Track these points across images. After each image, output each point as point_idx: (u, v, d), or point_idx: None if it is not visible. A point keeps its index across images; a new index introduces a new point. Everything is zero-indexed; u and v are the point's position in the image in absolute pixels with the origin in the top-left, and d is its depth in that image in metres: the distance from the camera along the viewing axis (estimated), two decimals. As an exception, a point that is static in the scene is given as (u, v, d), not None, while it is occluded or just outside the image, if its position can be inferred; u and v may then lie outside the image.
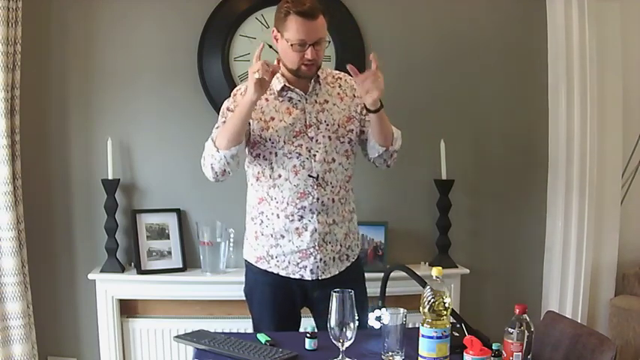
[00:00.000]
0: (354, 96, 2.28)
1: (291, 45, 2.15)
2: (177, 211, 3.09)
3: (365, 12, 3.10)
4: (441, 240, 3.10)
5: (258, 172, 2.29)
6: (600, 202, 3.24)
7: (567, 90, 3.16)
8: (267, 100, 2.24)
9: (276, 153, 2.22)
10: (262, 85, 2.07)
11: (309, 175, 2.21)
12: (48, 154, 3.05)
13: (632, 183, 3.40)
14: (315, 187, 2.22)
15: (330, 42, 2.18)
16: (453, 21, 3.18)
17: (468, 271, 3.08)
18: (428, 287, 1.68)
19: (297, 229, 2.23)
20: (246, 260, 2.38)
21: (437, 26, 3.18)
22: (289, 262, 2.25)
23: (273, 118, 2.22)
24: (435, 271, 1.70)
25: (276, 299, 2.30)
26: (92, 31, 3.03)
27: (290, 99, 2.24)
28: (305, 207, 2.21)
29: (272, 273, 2.28)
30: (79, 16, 3.01)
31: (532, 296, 3.26)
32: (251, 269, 2.36)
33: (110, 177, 2.95)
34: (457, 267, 3.08)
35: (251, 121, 2.20)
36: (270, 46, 3.03)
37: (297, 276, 2.26)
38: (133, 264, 3.04)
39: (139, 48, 3.05)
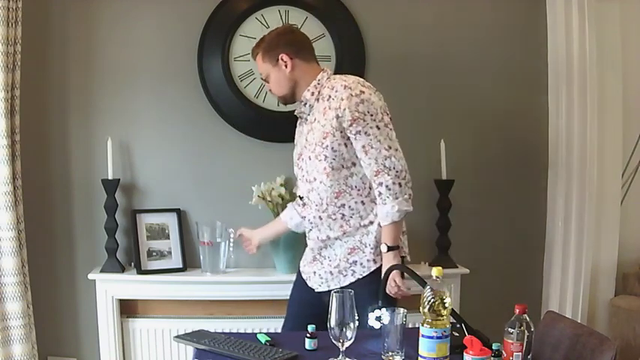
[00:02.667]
0: (336, 107, 2.19)
1: None
2: (177, 211, 3.08)
3: (365, 12, 3.10)
4: (441, 240, 3.10)
5: None
6: (600, 202, 3.24)
7: (567, 90, 3.16)
8: (298, 129, 2.47)
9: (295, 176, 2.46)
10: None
11: (299, 196, 2.40)
12: (48, 154, 3.05)
13: (632, 183, 3.40)
14: (302, 206, 2.39)
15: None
16: (453, 21, 3.18)
17: (467, 271, 3.08)
18: (428, 287, 1.68)
19: (305, 243, 2.45)
20: None
21: (437, 26, 3.17)
22: (305, 264, 2.45)
23: (296, 145, 2.47)
24: (435, 271, 1.70)
25: (299, 296, 2.46)
26: (92, 31, 3.03)
27: (302, 124, 2.42)
28: (305, 225, 2.40)
29: (299, 267, 2.49)
30: (79, 16, 3.01)
31: (532, 296, 3.26)
32: None
33: (110, 177, 2.95)
34: (457, 267, 3.08)
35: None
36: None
37: (304, 277, 2.43)
38: (133, 264, 3.04)
39: (139, 48, 3.05)
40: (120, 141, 3.05)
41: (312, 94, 2.30)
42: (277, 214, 2.98)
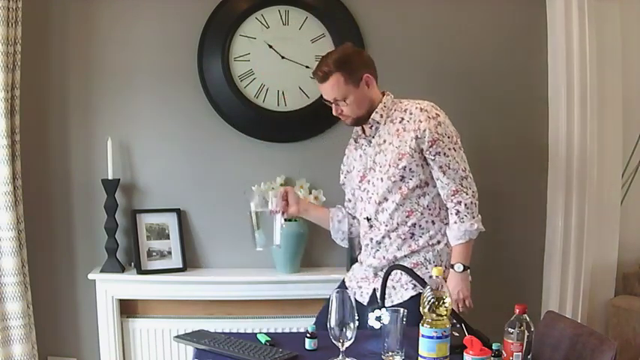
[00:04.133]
0: (414, 129, 2.24)
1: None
2: (177, 211, 3.08)
3: (365, 12, 3.10)
4: (440, 240, 3.10)
5: None
6: (600, 202, 3.24)
7: (567, 90, 3.15)
8: (351, 151, 2.46)
9: (353, 199, 2.47)
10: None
11: (365, 218, 2.36)
12: (48, 154, 3.05)
13: (632, 183, 3.40)
14: (369, 228, 2.35)
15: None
16: (453, 21, 3.18)
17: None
18: (428, 287, 1.68)
19: (364, 260, 2.40)
20: None
21: (436, 26, 3.17)
22: (352, 279, 2.44)
23: (353, 167, 2.44)
24: (435, 271, 1.70)
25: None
26: (92, 31, 3.03)
27: (362, 146, 2.39)
28: (367, 245, 2.37)
29: (343, 283, 2.47)
30: (79, 16, 3.01)
31: (532, 296, 3.26)
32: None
33: (110, 177, 2.95)
34: (457, 267, 3.07)
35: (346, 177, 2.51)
36: (271, 46, 3.06)
37: (351, 293, 2.34)
38: (133, 264, 3.04)
39: (139, 48, 3.05)
40: (120, 141, 3.05)
41: (382, 116, 2.32)
42: (277, 214, 2.98)
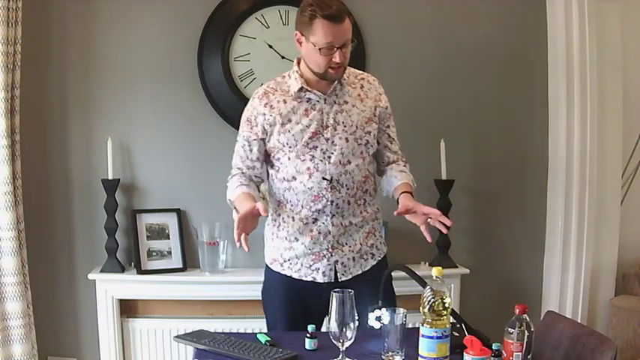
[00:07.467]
0: (376, 99, 2.26)
1: (319, 49, 2.09)
2: (177, 211, 3.09)
3: (364, 11, 3.10)
4: (441, 240, 3.10)
5: (274, 175, 2.25)
6: (600, 202, 3.24)
7: (567, 90, 3.16)
8: (285, 101, 2.20)
9: (289, 157, 2.19)
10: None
11: (323, 178, 2.17)
12: (48, 154, 3.05)
13: (632, 183, 3.40)
14: (329, 189, 2.18)
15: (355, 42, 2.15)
16: (453, 21, 3.18)
17: (467, 271, 3.08)
18: (428, 287, 1.68)
19: (311, 231, 2.20)
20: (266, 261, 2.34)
21: (437, 26, 3.18)
22: (302, 265, 2.22)
23: (290, 120, 2.18)
24: (435, 271, 1.70)
25: (290, 300, 2.24)
26: (92, 31, 3.03)
27: (309, 100, 2.20)
28: (319, 210, 2.18)
29: (285, 275, 2.25)
30: (79, 16, 3.02)
31: (532, 296, 3.26)
32: (268, 269, 2.31)
33: (110, 177, 2.95)
34: (457, 267, 3.08)
35: (267, 130, 2.22)
36: (271, 46, 3.05)
37: (309, 278, 2.22)
38: (133, 264, 3.04)
39: (139, 48, 3.05)
40: (120, 141, 3.05)
41: (347, 77, 2.25)
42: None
